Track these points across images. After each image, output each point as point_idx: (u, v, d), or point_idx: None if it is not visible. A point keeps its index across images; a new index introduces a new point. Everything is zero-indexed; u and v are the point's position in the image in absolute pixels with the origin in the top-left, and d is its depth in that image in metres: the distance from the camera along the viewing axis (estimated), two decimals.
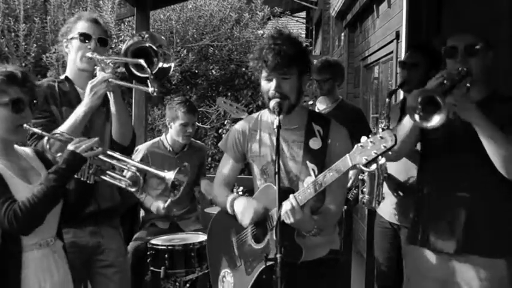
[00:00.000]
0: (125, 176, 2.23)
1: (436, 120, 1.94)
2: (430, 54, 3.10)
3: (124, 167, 2.20)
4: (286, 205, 2.12)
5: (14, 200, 1.96)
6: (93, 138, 2.13)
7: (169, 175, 2.11)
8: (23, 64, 6.15)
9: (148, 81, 2.35)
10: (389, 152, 1.92)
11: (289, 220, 2.12)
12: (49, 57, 6.19)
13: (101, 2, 6.79)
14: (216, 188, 2.57)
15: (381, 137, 1.90)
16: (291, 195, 2.13)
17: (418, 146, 2.50)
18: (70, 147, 2.09)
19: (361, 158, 1.95)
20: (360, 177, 3.21)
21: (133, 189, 2.25)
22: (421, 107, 1.97)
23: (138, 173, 2.21)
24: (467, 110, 2.06)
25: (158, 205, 3.84)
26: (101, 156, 2.15)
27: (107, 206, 2.65)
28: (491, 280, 2.20)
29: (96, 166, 2.16)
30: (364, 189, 3.12)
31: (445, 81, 2.07)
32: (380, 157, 1.94)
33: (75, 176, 2.14)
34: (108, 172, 2.22)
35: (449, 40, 2.27)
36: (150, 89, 2.33)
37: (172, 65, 2.53)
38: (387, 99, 2.91)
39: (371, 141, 1.92)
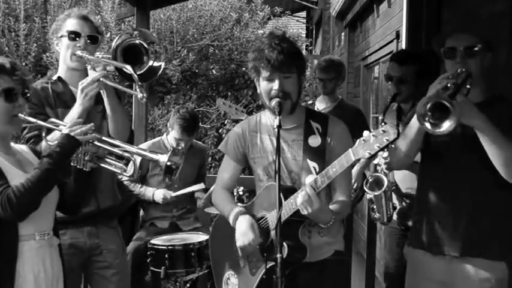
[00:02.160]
0: (120, 162, 2.25)
1: (446, 125, 1.92)
2: (414, 63, 3.07)
3: (119, 152, 2.21)
4: (302, 196, 2.10)
5: (9, 186, 1.96)
6: (88, 124, 2.15)
7: (163, 158, 2.13)
8: (24, 64, 6.15)
9: (136, 87, 2.33)
10: (392, 146, 1.91)
11: (306, 211, 2.10)
12: (49, 57, 6.18)
13: (101, 2, 6.78)
14: (218, 191, 2.56)
15: (383, 131, 1.90)
16: (307, 184, 2.11)
17: (418, 158, 2.49)
18: (65, 130, 2.10)
19: (364, 152, 1.94)
20: (367, 196, 3.20)
21: (128, 175, 2.28)
22: (430, 113, 1.96)
23: (133, 158, 2.23)
24: (470, 114, 2.04)
25: (164, 193, 3.80)
26: (95, 142, 2.16)
27: (107, 206, 2.64)
28: (491, 282, 2.19)
29: (91, 153, 2.17)
30: (374, 207, 3.11)
31: (448, 85, 2.05)
32: (383, 151, 1.94)
33: (72, 164, 2.15)
34: (103, 159, 2.23)
35: (448, 41, 2.25)
36: (139, 95, 2.30)
37: (163, 64, 2.50)
38: (380, 117, 2.90)
39: (373, 135, 1.92)
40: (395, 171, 3.12)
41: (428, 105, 1.95)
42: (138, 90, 2.32)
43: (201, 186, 3.91)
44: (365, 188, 3.01)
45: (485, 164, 2.11)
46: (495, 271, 2.20)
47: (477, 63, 2.19)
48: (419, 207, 2.45)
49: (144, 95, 2.29)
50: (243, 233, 2.29)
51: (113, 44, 2.46)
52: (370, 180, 2.99)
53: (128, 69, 2.34)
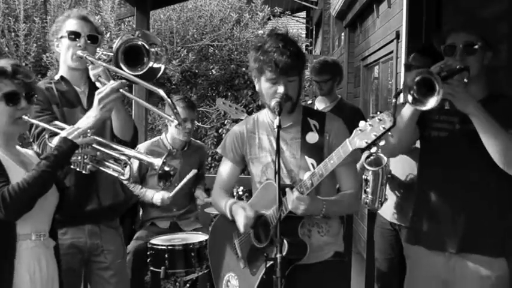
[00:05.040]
0: (118, 165, 2.24)
1: (430, 103, 1.94)
2: (435, 57, 3.09)
3: (116, 155, 2.21)
4: (290, 198, 2.13)
5: (7, 184, 1.97)
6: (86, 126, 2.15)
7: (158, 161, 2.12)
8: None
9: (173, 114, 2.28)
10: (389, 134, 1.91)
11: (299, 211, 2.14)
12: (49, 57, 6.19)
13: (100, 2, 6.80)
14: (216, 192, 2.57)
15: (379, 119, 1.89)
16: (294, 189, 2.15)
17: (418, 144, 2.50)
18: (63, 133, 2.11)
19: (361, 141, 1.94)
20: (363, 176, 3.20)
21: (124, 179, 2.27)
22: (416, 87, 1.97)
23: (129, 162, 2.23)
24: (464, 101, 2.05)
25: (163, 195, 3.78)
26: (94, 145, 2.16)
27: (108, 204, 2.63)
28: (491, 278, 2.19)
29: (90, 156, 2.18)
30: (368, 189, 3.10)
31: (442, 71, 2.06)
32: (379, 140, 1.92)
33: (72, 167, 2.16)
34: (102, 162, 2.23)
35: (448, 38, 2.25)
36: (175, 122, 2.29)
37: (163, 66, 2.47)
38: (394, 100, 2.90)
39: (370, 124, 1.92)
40: (394, 159, 3.12)
41: (417, 79, 1.97)
42: (176, 117, 2.29)
43: (194, 171, 3.87)
44: (364, 164, 3.01)
45: (484, 160, 2.10)
46: (496, 268, 2.19)
47: (476, 61, 2.19)
48: (419, 204, 2.45)
49: (181, 123, 2.26)
50: (238, 216, 2.32)
51: (114, 46, 2.44)
52: (371, 158, 2.99)
53: (126, 74, 2.32)
